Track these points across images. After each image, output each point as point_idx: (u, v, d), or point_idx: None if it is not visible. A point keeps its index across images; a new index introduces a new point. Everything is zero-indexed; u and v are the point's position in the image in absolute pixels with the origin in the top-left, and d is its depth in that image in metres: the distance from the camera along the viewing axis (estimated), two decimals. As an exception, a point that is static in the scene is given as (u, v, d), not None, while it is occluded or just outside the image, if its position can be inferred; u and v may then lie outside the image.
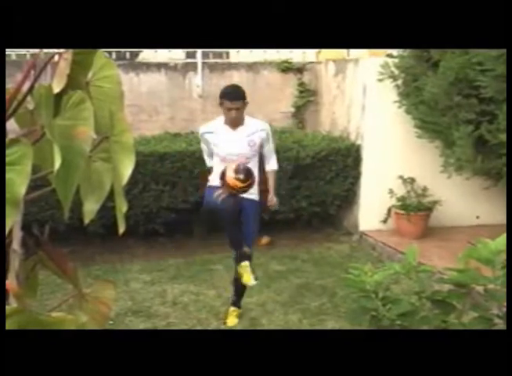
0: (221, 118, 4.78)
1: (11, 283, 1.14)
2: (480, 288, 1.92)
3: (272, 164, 5.02)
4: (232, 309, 5.05)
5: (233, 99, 4.64)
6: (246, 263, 4.73)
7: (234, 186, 4.49)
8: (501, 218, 6.51)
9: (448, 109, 5.86)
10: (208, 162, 5.03)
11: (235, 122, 4.71)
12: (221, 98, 4.69)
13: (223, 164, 4.67)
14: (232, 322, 4.97)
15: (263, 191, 4.97)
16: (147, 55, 8.93)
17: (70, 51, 1.22)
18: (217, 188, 4.59)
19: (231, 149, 4.69)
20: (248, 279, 4.71)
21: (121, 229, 1.31)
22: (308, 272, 6.10)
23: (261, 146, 4.84)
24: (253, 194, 4.75)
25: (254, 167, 4.73)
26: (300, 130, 7.96)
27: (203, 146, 5.00)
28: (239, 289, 5.00)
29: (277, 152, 6.90)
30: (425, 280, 1.99)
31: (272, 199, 4.99)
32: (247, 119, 4.82)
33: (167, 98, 7.76)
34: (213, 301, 5.39)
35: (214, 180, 4.76)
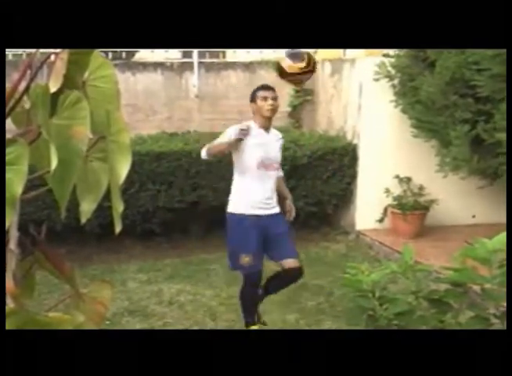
0: (251, 123, 4.49)
1: (7, 283, 1.14)
2: (477, 288, 1.93)
3: (280, 171, 4.79)
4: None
5: (268, 88, 4.47)
6: (256, 327, 4.57)
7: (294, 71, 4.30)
8: (497, 217, 6.53)
9: (445, 108, 5.87)
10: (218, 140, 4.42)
11: (270, 116, 4.45)
12: (253, 93, 4.47)
13: (257, 173, 4.41)
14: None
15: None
16: (143, 54, 8.92)
17: (67, 51, 1.22)
18: (244, 217, 4.39)
19: (268, 153, 4.47)
20: None
21: (118, 228, 1.31)
22: (305, 272, 6.09)
23: None
24: (277, 207, 4.56)
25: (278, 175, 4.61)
26: (296, 129, 7.96)
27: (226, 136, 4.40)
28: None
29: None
30: (422, 279, 1.99)
31: (292, 209, 4.67)
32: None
33: (164, 97, 7.76)
34: (210, 301, 5.39)
35: (239, 204, 4.48)
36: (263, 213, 4.45)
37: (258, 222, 4.41)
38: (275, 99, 4.45)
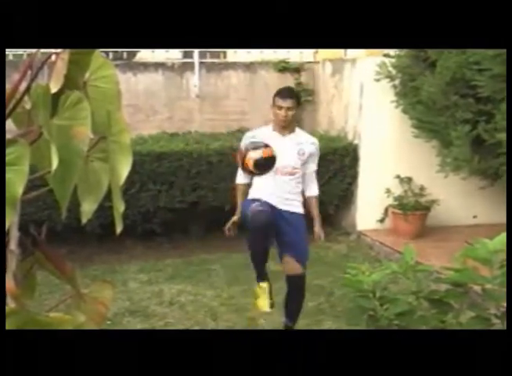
0: (270, 126, 4.54)
1: (8, 283, 1.14)
2: (478, 288, 1.93)
3: (313, 189, 4.66)
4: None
5: (286, 96, 4.40)
6: (265, 285, 4.44)
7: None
8: (498, 217, 6.52)
9: (446, 108, 5.86)
10: (238, 177, 4.58)
11: (284, 125, 4.42)
12: (273, 97, 4.46)
13: (269, 177, 4.30)
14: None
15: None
16: (144, 55, 8.92)
17: (67, 51, 1.22)
18: (256, 201, 4.30)
19: (278, 157, 4.24)
20: (263, 305, 4.42)
21: (119, 228, 1.31)
22: (306, 272, 6.08)
23: (306, 162, 4.52)
24: (297, 207, 4.48)
25: (299, 180, 4.49)
26: (297, 130, 7.96)
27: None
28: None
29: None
30: (423, 279, 1.99)
31: (320, 231, 4.61)
32: (298, 130, 4.59)
33: (165, 98, 7.76)
34: (210, 301, 5.38)
35: (253, 194, 4.47)
36: (279, 206, 4.39)
37: (273, 208, 4.32)
38: (290, 108, 4.39)
